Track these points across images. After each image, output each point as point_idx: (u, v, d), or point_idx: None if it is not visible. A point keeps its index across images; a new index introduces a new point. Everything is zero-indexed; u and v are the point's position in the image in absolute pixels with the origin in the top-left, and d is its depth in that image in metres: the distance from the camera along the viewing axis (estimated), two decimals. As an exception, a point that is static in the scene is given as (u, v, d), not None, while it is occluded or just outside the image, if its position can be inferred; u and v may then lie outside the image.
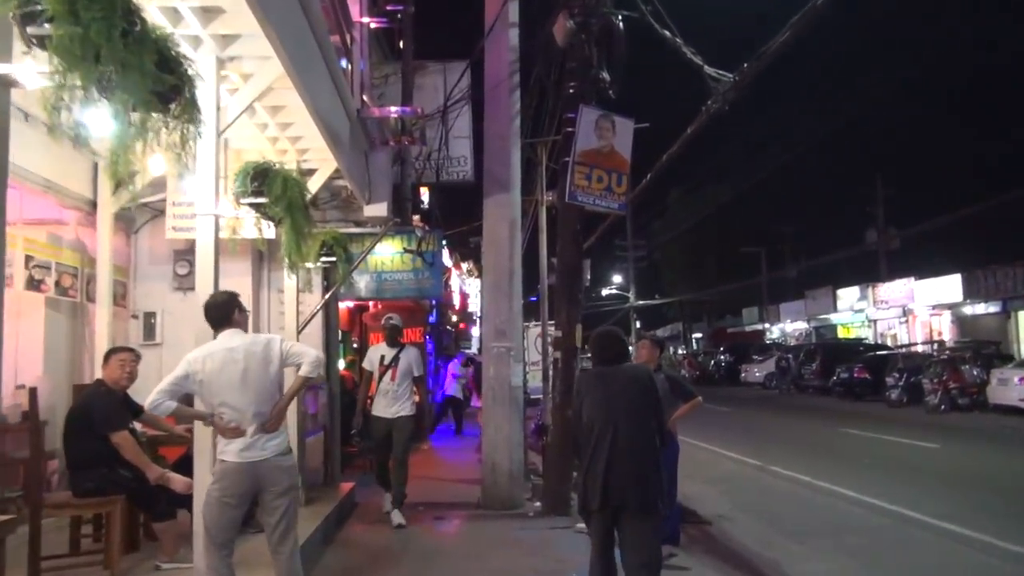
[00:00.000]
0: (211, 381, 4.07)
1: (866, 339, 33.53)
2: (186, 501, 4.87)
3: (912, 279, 31.36)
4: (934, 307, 30.40)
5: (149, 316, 8.33)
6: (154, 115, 2.90)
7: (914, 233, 31.62)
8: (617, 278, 51.32)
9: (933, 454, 12.85)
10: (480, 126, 9.11)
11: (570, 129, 8.01)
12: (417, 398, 8.11)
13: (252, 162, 4.98)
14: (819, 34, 8.43)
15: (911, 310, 32.07)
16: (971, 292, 27.74)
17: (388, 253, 9.64)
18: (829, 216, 41.30)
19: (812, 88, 46.50)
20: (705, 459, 12.35)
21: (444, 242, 13.24)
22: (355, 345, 14.07)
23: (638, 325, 46.99)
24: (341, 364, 10.86)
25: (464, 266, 28.93)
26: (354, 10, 7.62)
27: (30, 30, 2.56)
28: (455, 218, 19.19)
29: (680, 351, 52.78)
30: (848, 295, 36.43)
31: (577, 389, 4.73)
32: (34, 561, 4.42)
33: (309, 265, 7.46)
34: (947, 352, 22.85)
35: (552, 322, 9.48)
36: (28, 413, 4.85)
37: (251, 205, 4.88)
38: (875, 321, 35.41)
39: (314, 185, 7.18)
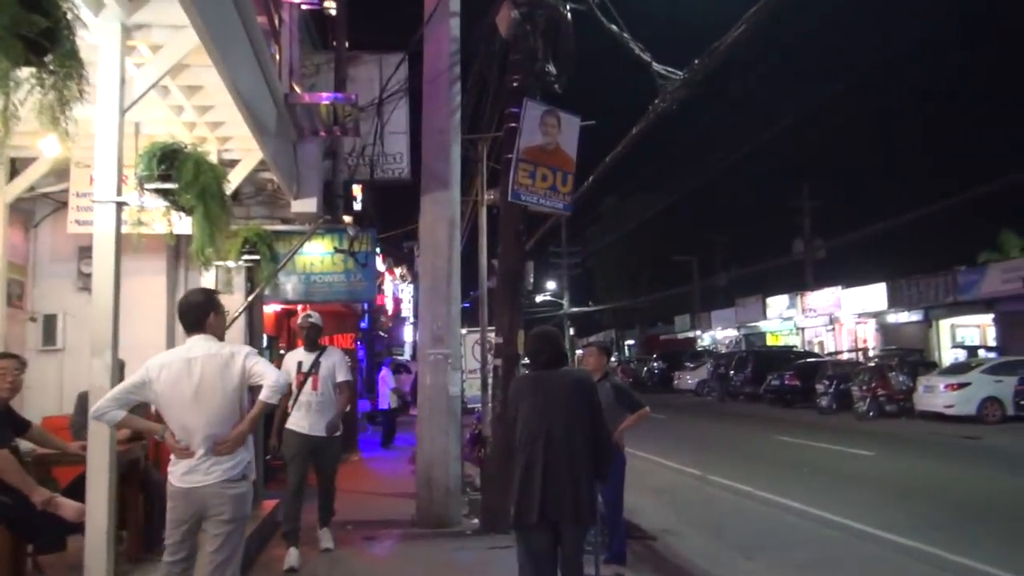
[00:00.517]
0: (164, 393, 3.71)
1: (795, 347, 34.15)
2: (78, 528, 4.25)
3: (839, 288, 32.09)
4: (860, 315, 31.15)
5: (49, 319, 7.55)
6: (24, 70, 2.34)
7: (840, 243, 32.51)
8: (551, 284, 51.23)
9: (869, 462, 12.88)
10: (418, 121, 8.61)
11: (513, 125, 7.58)
12: (345, 406, 7.07)
13: (159, 142, 4.38)
14: (758, 39, 8.32)
15: (838, 318, 32.81)
16: (895, 301, 28.49)
17: (318, 253, 9.05)
18: (758, 225, 42.23)
19: (747, 97, 47.36)
20: (644, 468, 12.07)
21: (378, 246, 12.67)
22: (282, 352, 13.33)
23: (572, 332, 47.00)
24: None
25: (397, 271, 28.27)
26: (283, -11, 7.06)
27: None
28: (388, 220, 18.53)
29: (613, 358, 52.99)
30: (777, 303, 37.11)
31: (512, 394, 4.46)
32: None
33: (230, 264, 6.86)
34: (875, 360, 23.34)
35: (492, 328, 9.05)
36: None
37: (158, 191, 4.28)
38: (803, 329, 36.16)
39: (237, 177, 6.59)
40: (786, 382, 25.30)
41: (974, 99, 44.69)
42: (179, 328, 7.99)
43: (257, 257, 6.80)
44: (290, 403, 6.41)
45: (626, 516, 7.12)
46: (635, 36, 8.19)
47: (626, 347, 58.77)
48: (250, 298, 7.53)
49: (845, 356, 28.28)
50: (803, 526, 8.34)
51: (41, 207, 7.50)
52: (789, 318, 36.58)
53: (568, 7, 7.48)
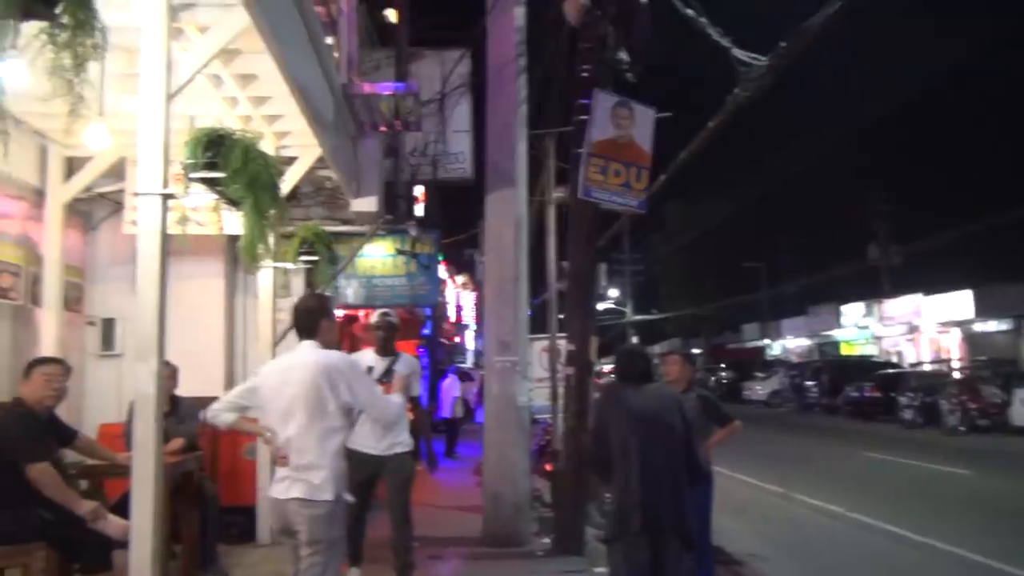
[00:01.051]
0: (266, 398, 3.63)
1: (873, 356, 32.62)
2: (124, 545, 3.93)
3: (919, 295, 30.51)
4: (943, 324, 29.54)
5: (108, 323, 7.39)
6: (29, 23, 1.97)
7: (919, 248, 30.89)
8: (613, 291, 50.39)
9: (967, 482, 11.90)
10: (481, 118, 8.21)
11: (583, 117, 7.10)
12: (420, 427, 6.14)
13: (205, 128, 4.04)
14: (832, 38, 7.71)
15: (918, 327, 31.20)
16: (983, 309, 26.88)
17: (379, 256, 8.73)
18: (831, 230, 40.55)
19: (817, 97, 45.87)
20: (721, 484, 11.33)
21: (440, 251, 12.32)
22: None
23: (635, 340, 46.06)
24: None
25: (458, 279, 28.00)
26: (342, -21, 6.74)
27: None
28: (449, 226, 18.20)
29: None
30: (852, 311, 35.57)
31: (599, 408, 4.41)
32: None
33: (288, 266, 6.55)
34: (964, 371, 21.99)
35: (561, 334, 8.55)
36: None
37: (204, 181, 3.93)
38: (880, 338, 34.55)
39: (295, 175, 6.27)
40: (866, 393, 24.07)
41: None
42: (238, 333, 7.83)
43: (316, 258, 6.47)
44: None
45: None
46: (713, 22, 7.63)
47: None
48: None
49: (928, 367, 26.79)
50: (901, 553, 7.57)
51: (100, 208, 7.36)
52: (865, 327, 34.99)
53: (642, -11, 6.96)
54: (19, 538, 3.98)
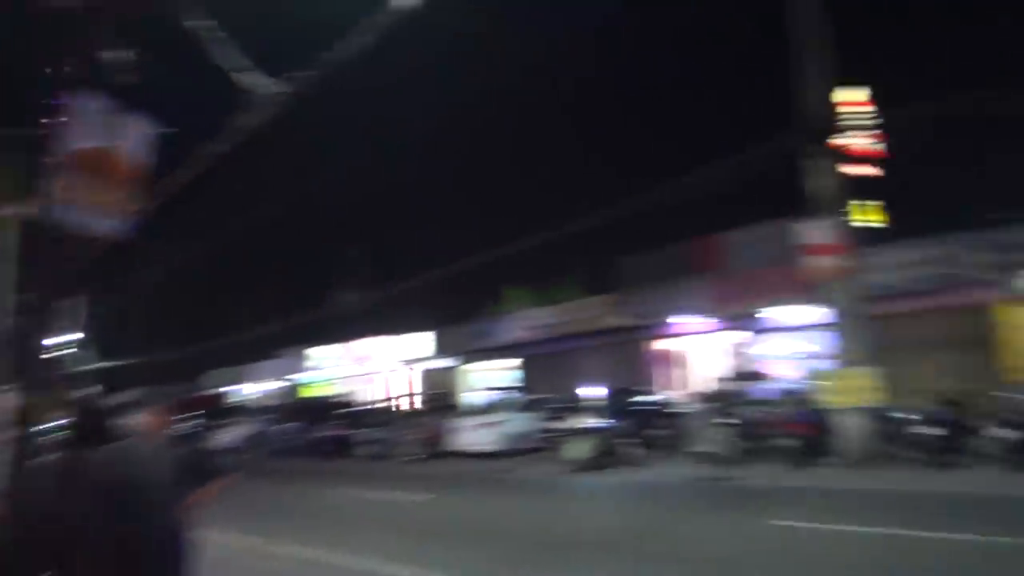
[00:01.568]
0: None
1: (337, 396, 34.45)
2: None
3: (384, 336, 33.32)
4: (406, 362, 32.75)
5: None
6: None
7: (380, 295, 33.77)
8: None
9: (432, 506, 13.09)
10: None
11: (57, 120, 5.93)
12: None
13: None
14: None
15: (382, 366, 34.07)
16: (441, 348, 30.61)
17: None
18: (298, 275, 41.81)
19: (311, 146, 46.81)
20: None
21: None
22: None
23: (96, 390, 40.34)
24: None
25: None
26: None
27: None
28: None
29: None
30: (318, 353, 37.36)
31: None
32: None
33: None
34: (415, 406, 24.53)
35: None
36: None
37: None
38: (346, 378, 36.77)
39: None
40: (328, 433, 24.94)
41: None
42: None
43: None
44: None
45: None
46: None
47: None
48: None
49: (385, 404, 29.14)
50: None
51: None
52: (330, 368, 36.94)
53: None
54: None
